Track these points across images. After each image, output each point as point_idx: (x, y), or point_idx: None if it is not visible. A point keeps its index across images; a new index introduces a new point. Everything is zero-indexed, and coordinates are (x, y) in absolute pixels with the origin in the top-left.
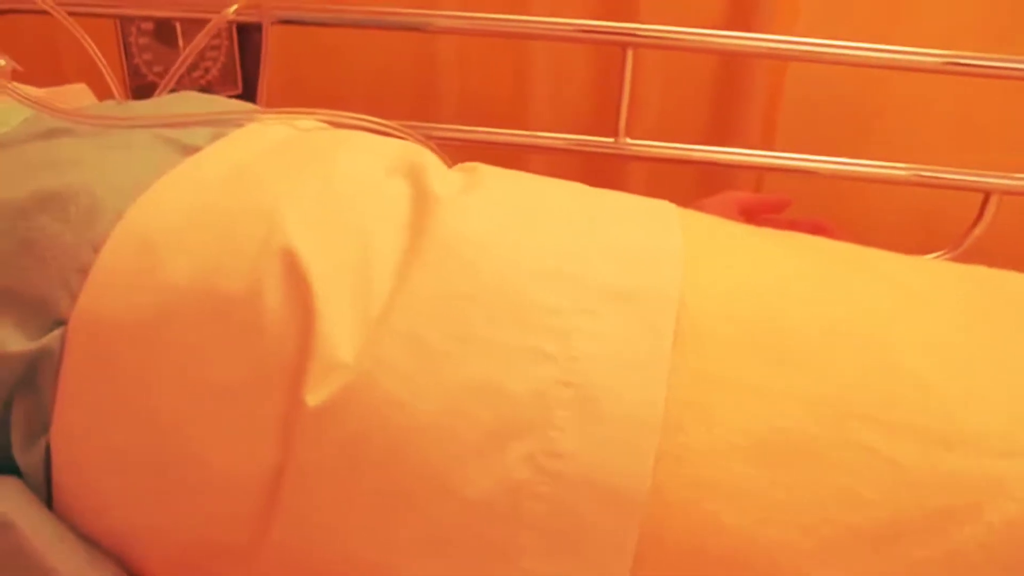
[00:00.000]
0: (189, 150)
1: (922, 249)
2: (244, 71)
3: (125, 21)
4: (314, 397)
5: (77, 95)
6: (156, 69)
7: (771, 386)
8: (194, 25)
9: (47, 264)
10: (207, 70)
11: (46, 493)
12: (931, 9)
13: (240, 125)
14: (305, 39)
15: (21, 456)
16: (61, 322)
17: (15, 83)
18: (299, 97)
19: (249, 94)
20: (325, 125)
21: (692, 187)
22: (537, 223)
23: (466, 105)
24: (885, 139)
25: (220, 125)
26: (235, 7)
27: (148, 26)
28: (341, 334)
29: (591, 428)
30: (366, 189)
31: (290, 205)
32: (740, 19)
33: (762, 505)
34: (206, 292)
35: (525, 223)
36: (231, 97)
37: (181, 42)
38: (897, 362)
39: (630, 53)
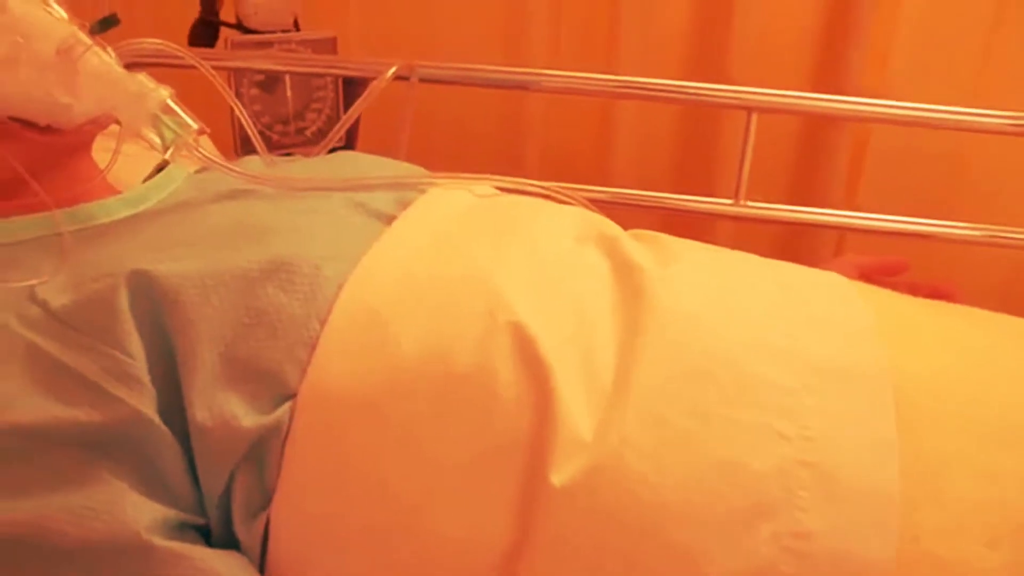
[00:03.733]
0: (382, 216)
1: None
2: None
3: (238, 72)
4: (560, 476)
5: None
6: (264, 119)
7: (997, 466)
8: (299, 77)
9: (277, 337)
10: (312, 121)
11: (259, 566)
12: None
13: (422, 191)
14: (395, 96)
15: (241, 529)
16: (289, 396)
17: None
18: (389, 153)
19: (350, 146)
20: (498, 191)
21: (772, 245)
22: (740, 297)
23: (549, 161)
24: (975, 199)
25: (404, 189)
26: (393, 69)
27: (258, 77)
28: (579, 412)
29: (834, 507)
30: (567, 259)
31: (504, 276)
32: (829, 77)
33: None
34: (435, 367)
35: (731, 297)
36: (337, 149)
37: (289, 93)
38: None
39: (754, 117)
